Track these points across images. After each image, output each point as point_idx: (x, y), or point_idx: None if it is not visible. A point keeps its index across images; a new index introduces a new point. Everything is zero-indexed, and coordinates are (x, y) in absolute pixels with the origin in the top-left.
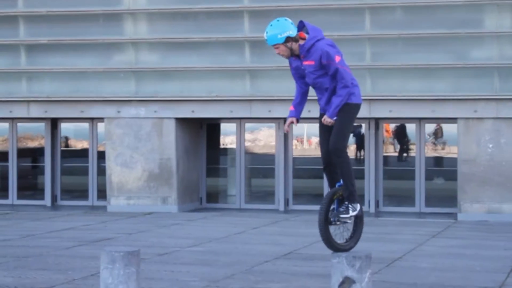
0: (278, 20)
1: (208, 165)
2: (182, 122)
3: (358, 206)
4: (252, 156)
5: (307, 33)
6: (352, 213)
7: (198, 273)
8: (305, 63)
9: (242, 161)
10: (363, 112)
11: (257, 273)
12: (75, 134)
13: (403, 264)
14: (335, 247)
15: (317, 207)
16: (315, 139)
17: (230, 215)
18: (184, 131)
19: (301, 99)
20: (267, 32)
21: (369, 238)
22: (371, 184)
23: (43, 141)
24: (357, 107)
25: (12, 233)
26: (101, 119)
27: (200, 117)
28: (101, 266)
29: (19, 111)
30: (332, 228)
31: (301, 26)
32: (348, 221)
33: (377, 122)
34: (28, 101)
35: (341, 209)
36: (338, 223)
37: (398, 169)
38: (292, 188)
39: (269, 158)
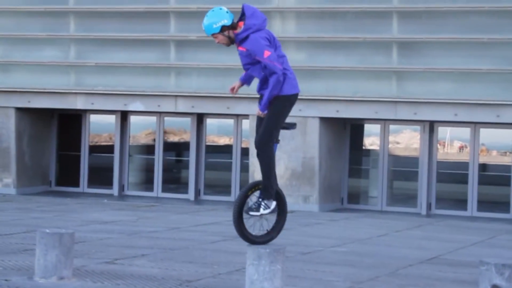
0: (213, 10)
1: (350, 166)
2: (326, 122)
3: (272, 204)
4: (394, 158)
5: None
6: (263, 211)
7: (342, 274)
8: (239, 48)
9: (385, 163)
10: None
11: (401, 277)
12: (218, 130)
13: None
14: (249, 240)
15: (460, 213)
16: (458, 144)
17: (372, 216)
18: (328, 131)
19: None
20: (204, 22)
21: None
22: None
23: (186, 136)
24: (288, 98)
25: (158, 225)
26: (245, 116)
27: (345, 117)
28: (247, 262)
29: (167, 106)
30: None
31: (243, 12)
32: (261, 216)
33: None
34: (176, 96)
35: (252, 206)
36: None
37: None
38: (435, 192)
39: (411, 161)
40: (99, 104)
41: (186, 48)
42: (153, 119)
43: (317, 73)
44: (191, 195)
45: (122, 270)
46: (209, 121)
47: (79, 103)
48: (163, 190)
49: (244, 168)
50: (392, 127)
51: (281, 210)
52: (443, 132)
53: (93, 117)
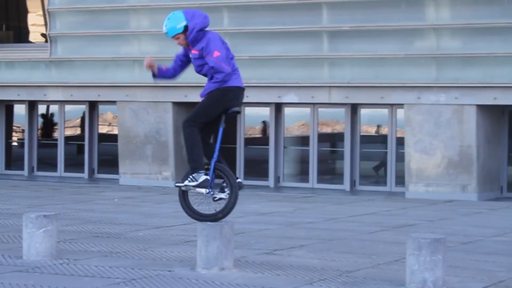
0: (173, 13)
1: (510, 153)
2: (483, 109)
3: (201, 178)
4: None
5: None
6: (187, 183)
7: (505, 263)
8: (193, 51)
9: None
10: None
11: None
12: (373, 120)
13: None
14: (193, 215)
15: None
16: None
17: None
18: (485, 118)
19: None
20: (166, 26)
21: None
22: None
23: (339, 126)
24: (226, 90)
25: (316, 216)
26: (400, 105)
27: (503, 104)
28: (407, 252)
29: (320, 97)
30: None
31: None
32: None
33: None
34: (330, 87)
35: (183, 179)
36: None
37: None
38: None
39: None
40: (253, 96)
41: (339, 39)
42: (306, 110)
43: (473, 60)
44: (346, 185)
45: (282, 260)
46: (363, 111)
47: None
48: (319, 181)
49: (400, 157)
50: None
51: (229, 193)
52: None
53: (248, 110)
